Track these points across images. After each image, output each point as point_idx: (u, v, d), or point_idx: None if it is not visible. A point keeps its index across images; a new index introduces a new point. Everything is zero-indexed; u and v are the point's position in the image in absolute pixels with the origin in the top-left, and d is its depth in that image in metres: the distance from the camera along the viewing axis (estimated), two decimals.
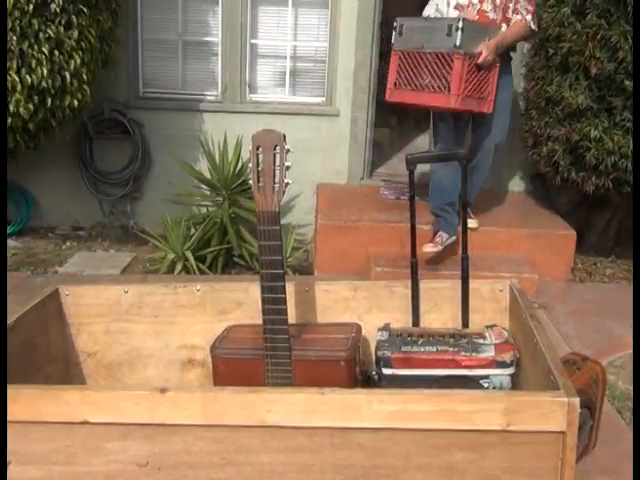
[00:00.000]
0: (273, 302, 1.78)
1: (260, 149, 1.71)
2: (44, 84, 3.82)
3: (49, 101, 3.92)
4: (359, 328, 2.02)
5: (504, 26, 3.89)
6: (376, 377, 1.94)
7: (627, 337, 3.63)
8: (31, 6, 3.75)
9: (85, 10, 4.02)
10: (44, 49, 3.81)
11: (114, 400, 1.49)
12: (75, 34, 3.96)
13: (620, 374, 3.28)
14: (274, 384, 1.80)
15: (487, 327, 1.99)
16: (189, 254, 4.35)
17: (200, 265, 4.38)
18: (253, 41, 5.16)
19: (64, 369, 2.12)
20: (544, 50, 4.51)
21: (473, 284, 2.08)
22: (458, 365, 1.86)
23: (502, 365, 1.85)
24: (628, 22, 3.93)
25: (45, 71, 3.80)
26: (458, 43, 3.57)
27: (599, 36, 4.00)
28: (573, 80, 4.20)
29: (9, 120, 3.80)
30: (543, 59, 4.54)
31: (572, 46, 4.14)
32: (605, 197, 4.55)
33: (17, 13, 3.71)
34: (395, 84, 3.93)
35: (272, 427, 1.48)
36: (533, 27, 3.95)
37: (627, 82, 3.99)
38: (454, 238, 3.97)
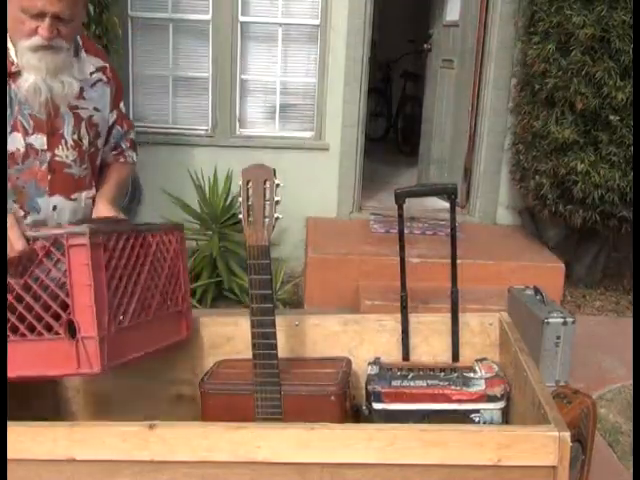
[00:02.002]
0: (263, 336, 1.78)
1: (250, 184, 1.72)
2: None
3: None
4: (349, 362, 2.01)
5: None
6: (366, 412, 1.92)
7: (617, 370, 3.63)
8: None
9: None
10: None
11: (101, 436, 1.47)
12: None
13: (611, 407, 3.27)
14: (264, 419, 1.79)
15: (477, 361, 1.98)
16: None
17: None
18: (243, 76, 5.22)
19: (53, 405, 2.10)
20: (530, 86, 4.58)
21: (463, 318, 2.08)
22: (449, 399, 1.86)
23: (493, 399, 1.85)
24: (612, 58, 4.01)
25: None
26: None
27: (583, 72, 4.08)
28: (559, 115, 4.26)
29: None
30: (529, 94, 4.62)
31: (557, 82, 4.21)
32: (593, 230, 4.58)
33: None
34: None
35: (262, 463, 1.46)
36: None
37: (612, 117, 4.05)
38: None
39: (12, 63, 1.77)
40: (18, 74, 1.77)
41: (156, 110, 5.28)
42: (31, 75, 1.76)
